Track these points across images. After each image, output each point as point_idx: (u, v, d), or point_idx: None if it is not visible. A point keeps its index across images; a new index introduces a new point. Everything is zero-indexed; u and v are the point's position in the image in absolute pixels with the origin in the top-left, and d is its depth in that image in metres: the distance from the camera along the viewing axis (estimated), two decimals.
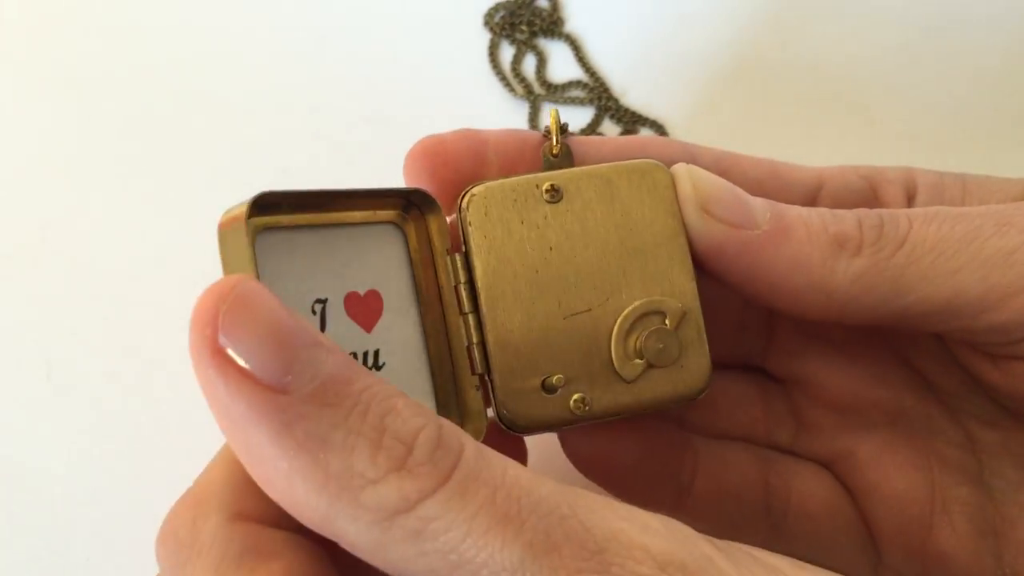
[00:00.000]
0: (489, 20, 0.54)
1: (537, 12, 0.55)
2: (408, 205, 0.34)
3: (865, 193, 0.38)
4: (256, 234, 0.31)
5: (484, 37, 0.54)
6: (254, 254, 0.29)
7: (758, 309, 0.39)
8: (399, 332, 0.34)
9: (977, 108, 0.53)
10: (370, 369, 0.32)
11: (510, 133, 0.36)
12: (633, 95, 0.54)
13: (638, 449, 0.35)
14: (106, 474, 0.41)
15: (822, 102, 0.54)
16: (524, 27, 0.54)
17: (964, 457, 0.37)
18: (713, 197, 0.33)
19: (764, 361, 0.39)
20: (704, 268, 0.34)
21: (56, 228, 0.46)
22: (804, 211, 0.33)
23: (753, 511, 0.36)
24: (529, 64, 0.55)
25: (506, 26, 0.54)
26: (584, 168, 0.34)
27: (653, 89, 0.55)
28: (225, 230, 0.29)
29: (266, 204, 0.30)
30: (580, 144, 0.36)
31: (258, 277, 0.29)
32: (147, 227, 0.47)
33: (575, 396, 0.33)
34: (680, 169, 0.34)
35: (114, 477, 0.41)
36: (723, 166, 0.37)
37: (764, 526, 0.37)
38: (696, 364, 0.34)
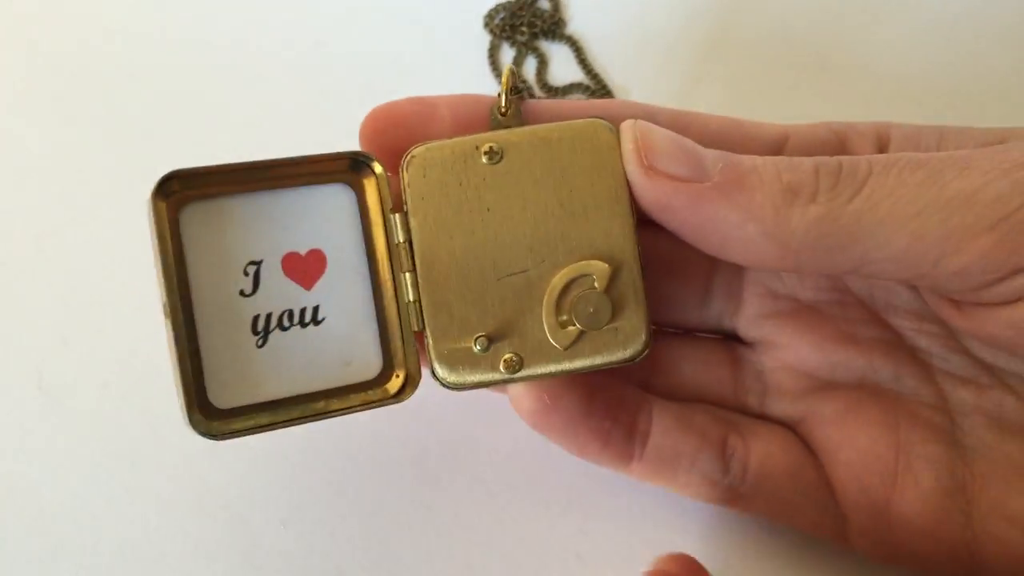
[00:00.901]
0: (489, 22, 0.56)
1: (538, 14, 0.56)
2: (359, 166, 0.35)
3: (833, 145, 0.37)
4: (181, 207, 0.33)
5: (484, 39, 0.56)
6: (166, 228, 0.32)
7: (727, 272, 0.39)
8: (344, 289, 0.35)
9: (977, 66, 0.52)
10: (307, 324, 0.33)
11: (464, 96, 0.36)
12: (635, 97, 0.55)
13: (582, 405, 0.35)
14: (96, 484, 0.41)
15: (832, 102, 0.54)
16: (525, 28, 0.56)
17: (935, 416, 0.36)
18: (658, 150, 0.32)
19: (733, 324, 0.39)
20: (659, 224, 0.34)
21: (52, 237, 0.47)
22: (759, 160, 0.32)
23: (706, 471, 0.36)
24: (530, 66, 0.56)
25: (506, 28, 0.55)
26: (525, 128, 0.34)
27: (654, 91, 0.55)
28: (148, 211, 0.32)
29: (192, 179, 0.32)
30: (535, 106, 0.37)
31: (167, 250, 0.33)
32: (142, 238, 0.49)
33: (506, 356, 0.34)
34: (625, 125, 0.34)
35: (104, 487, 0.41)
36: (683, 122, 0.36)
37: (720, 488, 0.36)
38: (632, 327, 0.34)
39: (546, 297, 0.34)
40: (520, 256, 0.34)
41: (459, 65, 0.55)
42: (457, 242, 0.34)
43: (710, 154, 0.32)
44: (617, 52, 0.56)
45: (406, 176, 0.34)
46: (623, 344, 0.34)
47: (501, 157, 0.34)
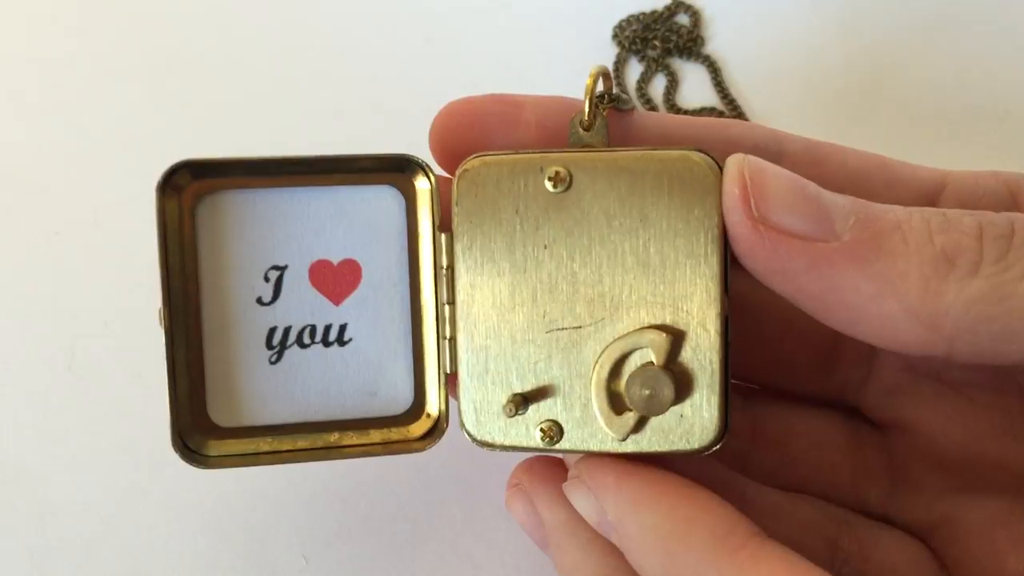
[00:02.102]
0: (619, 33, 0.50)
1: (675, 29, 0.50)
2: (412, 168, 0.30)
3: (1002, 199, 0.30)
4: (199, 199, 0.29)
5: (611, 51, 0.50)
6: (168, 222, 0.29)
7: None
8: (378, 309, 0.30)
9: None
10: (331, 344, 0.29)
11: (557, 99, 0.31)
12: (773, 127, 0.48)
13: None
14: (109, 481, 0.37)
15: (1005, 154, 0.46)
16: (658, 43, 0.50)
17: None
18: (772, 196, 0.26)
19: (859, 398, 0.33)
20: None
21: (112, 210, 0.45)
22: (903, 212, 0.25)
23: None
24: (658, 84, 0.50)
25: (637, 41, 0.50)
26: (605, 152, 0.28)
27: (797, 125, 0.48)
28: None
29: (207, 171, 0.29)
30: (637, 120, 0.31)
31: (166, 246, 0.29)
32: None
33: (544, 422, 0.28)
34: (732, 161, 0.27)
35: (116, 486, 0.37)
36: (818, 155, 0.30)
37: None
38: (701, 415, 0.28)
39: (597, 367, 0.28)
40: (576, 309, 0.28)
41: (577, 76, 0.50)
42: (505, 279, 0.28)
43: (839, 202, 0.26)
44: (759, 78, 0.50)
45: (456, 191, 0.28)
46: (687, 434, 0.28)
47: (569, 184, 0.28)
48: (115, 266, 0.43)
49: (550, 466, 0.31)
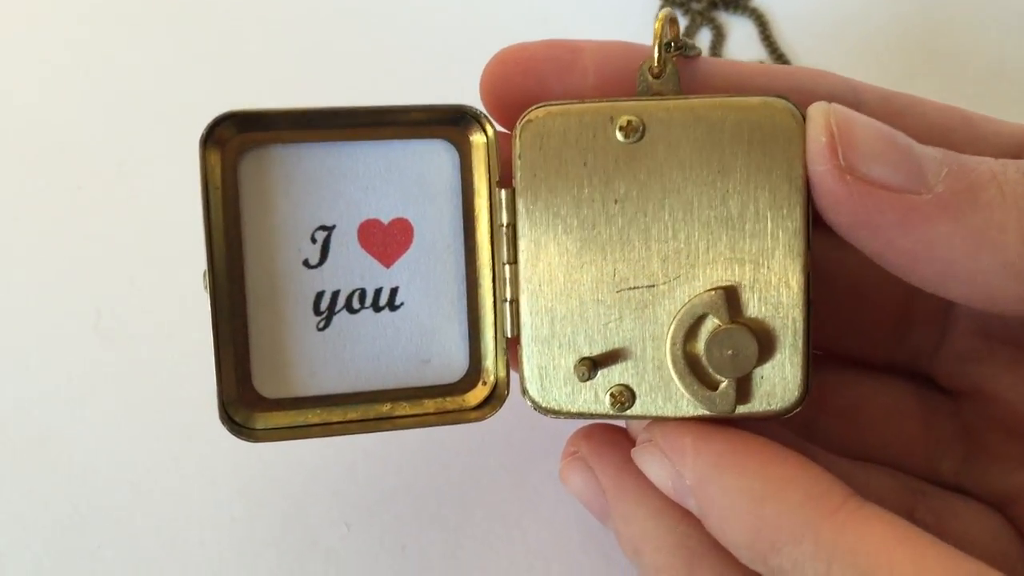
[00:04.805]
0: None
1: None
2: (467, 120, 0.28)
3: None
4: (241, 154, 0.27)
5: (654, 3, 0.48)
6: (217, 178, 0.27)
7: (932, 298, 0.30)
8: (432, 271, 0.29)
9: None
10: (381, 308, 0.27)
11: (613, 43, 0.29)
12: None
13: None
14: (138, 449, 0.36)
15: None
16: None
17: None
18: (861, 145, 0.24)
19: (932, 365, 0.31)
20: (850, 242, 0.26)
21: (134, 165, 0.43)
22: (997, 164, 0.24)
23: None
24: (703, 39, 0.48)
25: None
26: (680, 100, 0.26)
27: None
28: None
29: (254, 123, 0.27)
30: (703, 66, 0.29)
31: (214, 204, 0.27)
32: None
33: (614, 387, 0.27)
34: (816, 108, 0.25)
35: (146, 453, 0.36)
36: (894, 106, 0.29)
37: None
38: (782, 376, 0.26)
39: (673, 325, 0.26)
40: (649, 266, 0.26)
41: (618, 28, 0.47)
42: (572, 236, 0.27)
43: (931, 154, 0.24)
44: (808, 31, 0.47)
45: (519, 144, 0.27)
46: (768, 396, 0.26)
47: (642, 134, 0.26)
48: (140, 221, 0.41)
49: (611, 432, 0.29)
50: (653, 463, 0.27)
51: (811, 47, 0.47)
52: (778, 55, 0.47)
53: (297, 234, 0.28)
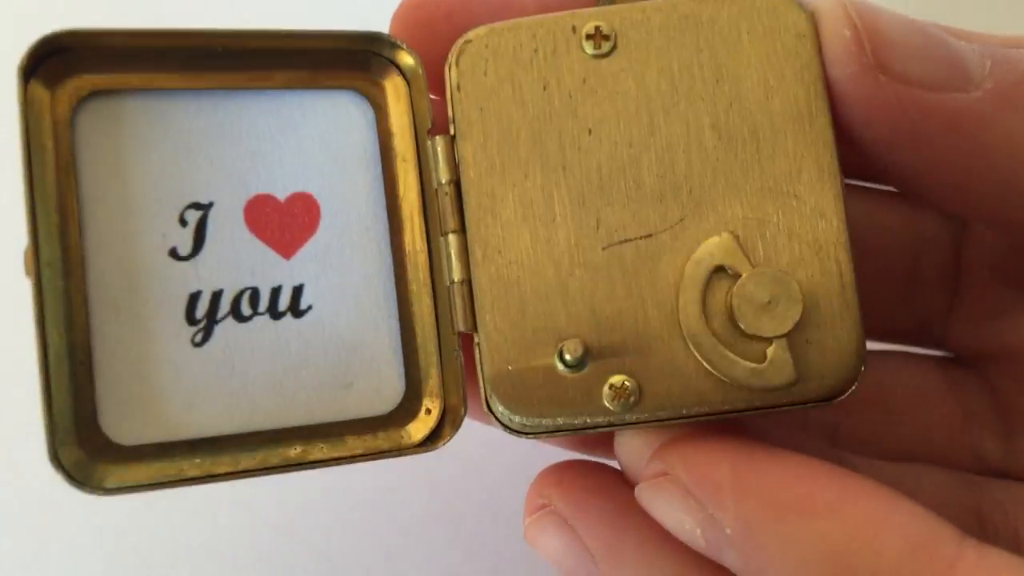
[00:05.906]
0: None
1: None
2: (380, 63, 0.22)
3: None
4: (78, 103, 0.20)
5: None
6: (47, 132, 0.19)
7: (936, 251, 0.28)
8: (346, 261, 0.22)
9: None
10: (282, 315, 0.20)
11: None
12: None
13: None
14: None
15: None
16: None
17: None
18: (891, 40, 0.21)
19: (947, 329, 0.28)
20: (876, 162, 0.22)
21: None
22: None
23: None
24: None
25: None
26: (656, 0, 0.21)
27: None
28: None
29: (95, 54, 0.20)
30: None
31: (29, 165, 0.19)
32: None
33: (613, 379, 0.20)
34: (829, 2, 0.21)
35: None
36: None
37: None
38: (836, 339, 0.20)
39: (684, 284, 0.20)
40: (642, 211, 0.20)
41: None
42: (536, 183, 0.20)
43: (967, 45, 0.21)
44: None
45: (455, 74, 0.21)
46: (820, 367, 0.20)
47: (615, 45, 0.21)
48: None
49: (592, 472, 0.23)
50: (671, 505, 0.20)
51: None
52: None
53: (160, 214, 0.20)
